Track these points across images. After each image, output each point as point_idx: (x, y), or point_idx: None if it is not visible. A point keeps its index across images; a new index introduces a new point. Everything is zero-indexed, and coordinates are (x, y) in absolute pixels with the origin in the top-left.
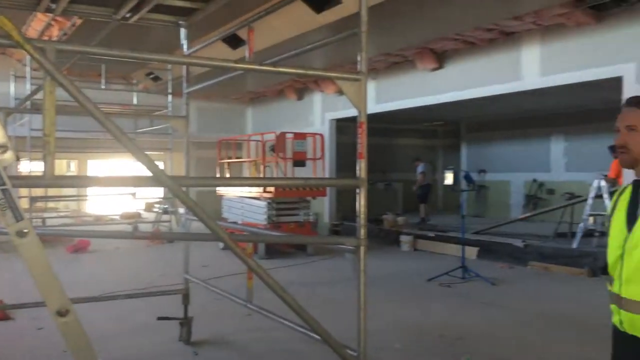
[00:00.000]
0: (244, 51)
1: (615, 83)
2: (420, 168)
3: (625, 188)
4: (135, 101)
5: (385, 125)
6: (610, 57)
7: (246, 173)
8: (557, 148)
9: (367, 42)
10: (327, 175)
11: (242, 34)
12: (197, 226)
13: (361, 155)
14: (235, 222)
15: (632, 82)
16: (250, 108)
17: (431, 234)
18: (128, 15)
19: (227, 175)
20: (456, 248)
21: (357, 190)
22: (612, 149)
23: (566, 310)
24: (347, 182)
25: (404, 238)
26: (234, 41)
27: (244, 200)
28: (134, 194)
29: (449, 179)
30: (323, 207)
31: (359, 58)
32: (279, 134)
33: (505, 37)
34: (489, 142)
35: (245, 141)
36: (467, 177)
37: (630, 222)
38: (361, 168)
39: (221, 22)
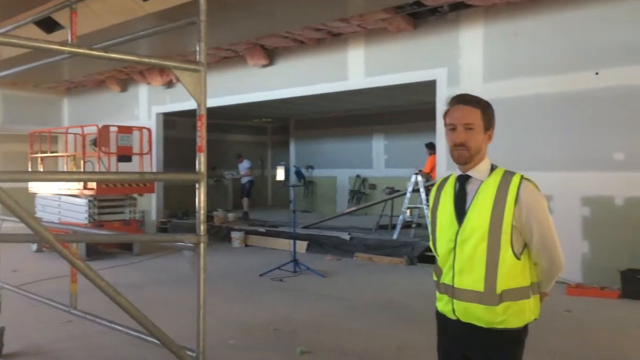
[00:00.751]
0: (61, 36)
1: (430, 86)
2: (246, 163)
3: (445, 182)
4: None
5: (215, 120)
6: (426, 62)
7: (63, 169)
8: (378, 145)
9: (207, 32)
10: (154, 171)
11: (58, 17)
12: (6, 227)
13: (200, 149)
14: (52, 222)
15: (444, 86)
16: (66, 99)
17: (262, 230)
18: None
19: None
20: (287, 243)
21: (197, 185)
22: (429, 145)
23: (389, 297)
24: (186, 176)
25: (235, 234)
26: (49, 24)
27: (61, 198)
28: None
29: (280, 174)
30: (150, 204)
31: (197, 48)
32: (102, 127)
33: (333, 38)
34: (317, 139)
35: (62, 134)
36: (298, 173)
37: (460, 216)
38: (201, 162)
39: (33, 3)
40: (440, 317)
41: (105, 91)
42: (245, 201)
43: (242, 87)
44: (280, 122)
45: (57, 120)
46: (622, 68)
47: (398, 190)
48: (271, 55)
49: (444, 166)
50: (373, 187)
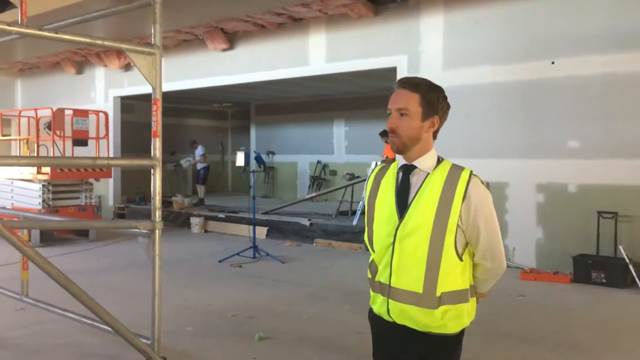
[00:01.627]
0: (13, 16)
1: (391, 73)
2: (200, 150)
3: (385, 170)
4: None
5: (174, 105)
6: (387, 49)
7: (15, 153)
8: (339, 131)
9: (162, 14)
10: (111, 155)
11: None
12: None
13: (155, 134)
14: (3, 207)
15: (404, 73)
16: (19, 80)
17: (221, 215)
18: None
19: None
20: (246, 229)
21: (152, 171)
22: (383, 134)
23: (348, 283)
24: (140, 162)
25: (194, 220)
26: (0, 3)
27: (14, 182)
28: None
29: (240, 160)
30: (107, 189)
31: (152, 30)
32: (56, 110)
33: (294, 23)
34: (278, 125)
35: (14, 117)
36: (258, 159)
37: (402, 210)
38: (156, 147)
39: None
40: (376, 320)
41: (61, 73)
42: (200, 188)
43: (202, 71)
44: (240, 107)
45: (9, 102)
46: (578, 57)
47: (358, 177)
48: (232, 40)
49: None
50: (334, 173)
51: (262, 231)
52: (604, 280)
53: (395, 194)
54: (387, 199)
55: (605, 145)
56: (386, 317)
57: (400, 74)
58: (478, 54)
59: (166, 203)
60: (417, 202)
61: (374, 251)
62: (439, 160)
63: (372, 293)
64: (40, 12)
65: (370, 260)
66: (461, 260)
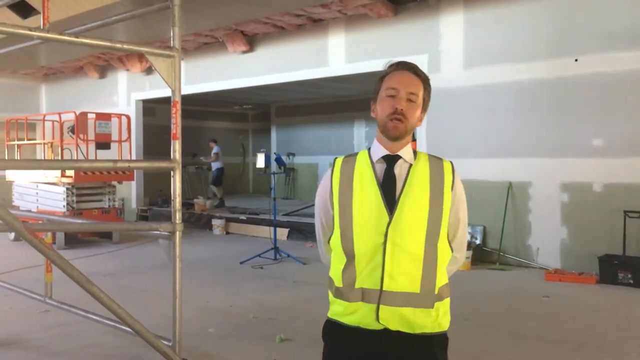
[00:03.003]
0: (37, 21)
1: None
2: (215, 149)
3: (352, 162)
4: None
5: (195, 107)
6: (407, 48)
7: (40, 156)
8: (359, 132)
9: (180, 16)
10: (134, 158)
11: (36, 3)
12: None
13: (175, 136)
14: (29, 211)
15: (425, 72)
16: (44, 85)
17: (243, 217)
18: None
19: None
20: (268, 230)
21: (172, 173)
22: None
23: None
24: (160, 164)
25: (215, 222)
26: (24, 9)
27: (39, 186)
28: None
29: (260, 161)
30: (130, 192)
31: (171, 33)
32: (79, 114)
33: (313, 24)
34: (298, 126)
35: (39, 121)
36: (279, 160)
37: (391, 205)
38: (176, 149)
39: None
40: (349, 333)
41: (84, 77)
42: (215, 189)
43: (223, 73)
44: (261, 109)
45: (34, 107)
46: (601, 54)
47: None
48: (251, 42)
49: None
50: None
51: (283, 232)
52: (631, 281)
53: (379, 188)
54: (369, 194)
55: (631, 144)
56: (371, 326)
57: None
58: (499, 52)
59: (188, 205)
60: (407, 196)
61: (354, 255)
62: (414, 151)
63: (340, 305)
64: (62, 18)
65: (340, 268)
66: (452, 252)
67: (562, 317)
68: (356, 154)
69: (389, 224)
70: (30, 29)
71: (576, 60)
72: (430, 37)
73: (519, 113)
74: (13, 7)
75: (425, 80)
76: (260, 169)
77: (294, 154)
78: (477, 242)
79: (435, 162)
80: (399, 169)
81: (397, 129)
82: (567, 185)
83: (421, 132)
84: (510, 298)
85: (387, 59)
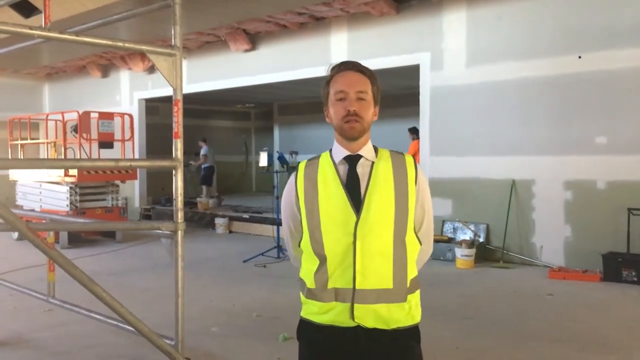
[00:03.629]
0: (39, 20)
1: (414, 71)
2: (203, 150)
3: (314, 165)
4: None
5: (198, 106)
6: (409, 47)
7: (43, 156)
8: None
9: (181, 15)
10: (136, 157)
11: (36, 1)
12: None
13: (177, 135)
14: (32, 210)
15: (427, 70)
16: (47, 84)
17: (246, 216)
18: None
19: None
20: (271, 229)
21: (174, 172)
22: (412, 130)
23: None
24: (162, 163)
25: (219, 221)
26: (26, 8)
27: (42, 185)
28: None
29: (263, 160)
30: (133, 191)
31: (172, 32)
32: (82, 114)
33: (316, 22)
34: (301, 125)
35: (42, 121)
36: (281, 159)
37: (357, 205)
38: (177, 148)
39: None
40: (325, 332)
41: (87, 77)
42: (205, 189)
43: (225, 72)
44: (263, 108)
45: (37, 106)
46: (605, 52)
47: None
48: (254, 40)
49: (427, 151)
50: None
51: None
52: (635, 279)
53: (344, 188)
54: (334, 196)
55: (635, 141)
56: (346, 324)
57: (424, 72)
58: (502, 50)
59: (191, 204)
60: (372, 193)
61: (326, 256)
62: (375, 148)
63: (314, 305)
64: (64, 17)
65: (312, 269)
66: (421, 244)
67: (566, 316)
68: (318, 156)
69: (356, 223)
70: (31, 28)
71: (579, 57)
72: (432, 35)
73: (522, 111)
74: (15, 7)
75: (370, 76)
76: (263, 167)
77: (296, 153)
78: (481, 240)
79: (397, 157)
80: (362, 168)
81: (354, 130)
82: (571, 183)
83: (424, 129)
84: (514, 296)
85: (390, 57)
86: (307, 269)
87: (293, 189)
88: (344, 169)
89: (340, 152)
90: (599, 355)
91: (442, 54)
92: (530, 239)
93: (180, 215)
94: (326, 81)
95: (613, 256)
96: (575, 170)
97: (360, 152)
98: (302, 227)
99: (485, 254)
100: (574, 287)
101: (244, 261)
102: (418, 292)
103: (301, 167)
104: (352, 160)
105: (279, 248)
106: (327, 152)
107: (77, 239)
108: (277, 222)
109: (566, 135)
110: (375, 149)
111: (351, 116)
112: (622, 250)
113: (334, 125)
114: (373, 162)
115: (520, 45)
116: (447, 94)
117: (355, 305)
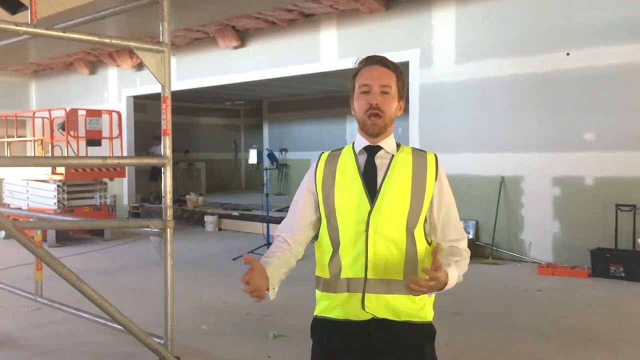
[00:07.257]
0: (26, 17)
1: (403, 67)
2: (158, 150)
3: (336, 156)
4: None
5: (186, 103)
6: (399, 43)
7: (30, 154)
8: (352, 128)
9: (170, 11)
10: (125, 155)
11: None
12: None
13: (165, 132)
14: (19, 208)
15: (417, 67)
16: (34, 81)
17: (235, 213)
18: None
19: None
20: (260, 226)
21: (162, 170)
22: None
23: None
24: (151, 160)
25: (208, 218)
26: (12, 5)
27: (29, 183)
28: None
29: (252, 157)
30: (122, 188)
31: (161, 28)
32: (69, 111)
33: (305, 19)
34: (290, 122)
35: (29, 118)
36: (271, 156)
37: (372, 194)
38: (166, 146)
39: None
40: (338, 327)
41: (74, 74)
42: (154, 185)
43: (214, 69)
44: (253, 105)
45: (24, 104)
46: (593, 48)
47: None
48: (243, 37)
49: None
50: None
51: (276, 229)
52: (623, 274)
53: (361, 178)
54: (351, 184)
55: (622, 137)
56: (359, 317)
57: (413, 68)
58: (491, 47)
59: (180, 202)
60: (388, 184)
61: (340, 245)
62: (398, 144)
63: (327, 299)
64: (52, 14)
65: (325, 259)
66: (429, 243)
67: (554, 311)
68: (341, 148)
69: (370, 212)
70: (17, 24)
71: (568, 54)
72: (422, 31)
73: (511, 107)
74: (1, 3)
75: (396, 70)
76: (253, 165)
77: (286, 150)
78: (470, 236)
79: (418, 153)
80: (380, 159)
81: (375, 126)
82: (559, 179)
83: (413, 126)
84: (503, 292)
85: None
86: (322, 262)
87: (312, 176)
88: (363, 158)
89: (362, 142)
90: (587, 349)
91: (432, 50)
92: (519, 235)
93: (169, 213)
94: (352, 74)
95: (601, 252)
96: (563, 167)
97: (380, 144)
98: (315, 211)
99: (474, 250)
100: (563, 282)
101: (234, 259)
102: (433, 295)
103: (323, 157)
104: (372, 151)
105: (269, 246)
106: (351, 145)
107: (65, 238)
108: (267, 220)
109: (555, 131)
110: (398, 145)
111: (373, 109)
112: (610, 246)
113: (357, 118)
114: (393, 155)
115: (509, 42)
116: (437, 90)
117: (367, 294)
